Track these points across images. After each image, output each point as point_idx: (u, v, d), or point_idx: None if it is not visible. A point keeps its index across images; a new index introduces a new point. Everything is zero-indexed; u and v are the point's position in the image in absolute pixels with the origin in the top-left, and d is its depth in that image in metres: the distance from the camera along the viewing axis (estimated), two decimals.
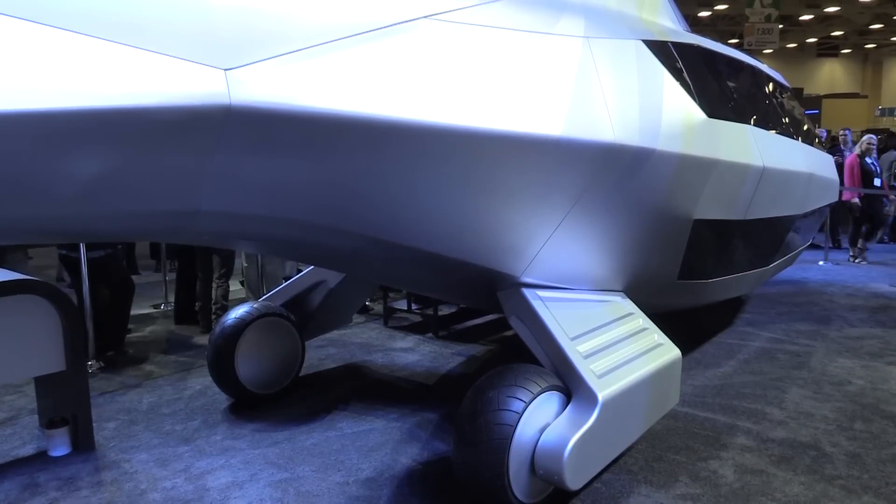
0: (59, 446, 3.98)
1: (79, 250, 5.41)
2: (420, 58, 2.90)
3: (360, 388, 5.07)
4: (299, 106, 2.53)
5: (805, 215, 6.69)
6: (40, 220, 2.50)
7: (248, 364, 4.69)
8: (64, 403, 4.05)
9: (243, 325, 4.68)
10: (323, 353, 5.90)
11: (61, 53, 2.13)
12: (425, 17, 3.01)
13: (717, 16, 28.86)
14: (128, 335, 6.24)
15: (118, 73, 2.20)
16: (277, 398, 4.82)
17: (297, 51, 2.57)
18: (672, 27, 4.91)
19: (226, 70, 2.38)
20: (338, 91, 2.62)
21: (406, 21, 2.93)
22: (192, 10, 2.40)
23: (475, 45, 3.13)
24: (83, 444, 4.03)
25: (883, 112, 34.42)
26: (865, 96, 36.28)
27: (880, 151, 11.71)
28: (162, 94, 2.26)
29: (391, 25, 2.87)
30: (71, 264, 5.63)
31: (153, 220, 2.77)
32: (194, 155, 2.48)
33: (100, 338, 5.62)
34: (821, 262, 10.06)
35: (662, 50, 4.24)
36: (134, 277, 6.50)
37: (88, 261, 5.42)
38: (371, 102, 2.69)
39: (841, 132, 12.26)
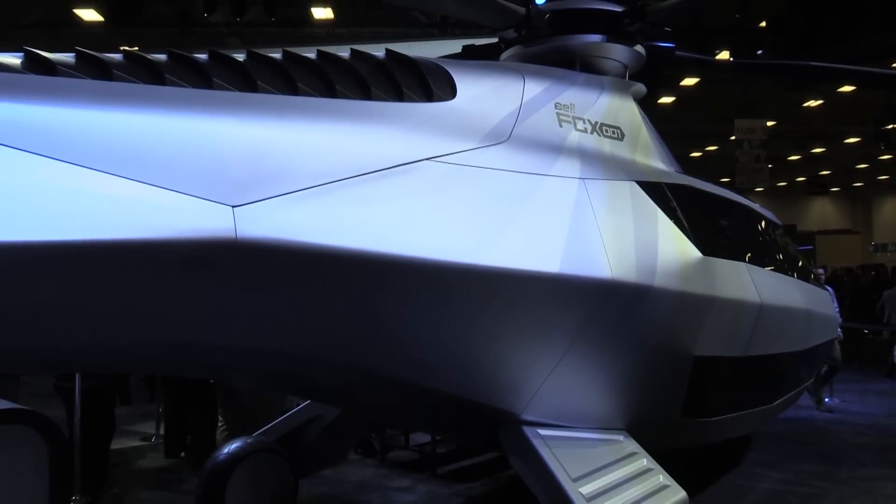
0: None
1: (74, 380, 5.32)
2: (422, 197, 3.01)
3: None
4: (304, 242, 2.60)
5: (807, 351, 6.65)
6: (41, 350, 2.50)
7: (239, 503, 4.50)
8: None
9: (235, 460, 4.54)
10: (316, 491, 5.67)
11: (74, 188, 2.20)
12: (428, 158, 3.15)
13: (708, 156, 29.98)
14: (115, 469, 6.02)
15: (128, 207, 2.28)
16: None
17: (304, 189, 2.67)
18: (665, 168, 5.10)
19: (233, 207, 2.46)
20: (341, 228, 2.70)
21: (409, 162, 3.06)
22: (203, 149, 2.52)
23: (476, 186, 3.25)
24: None
25: (877, 247, 34.98)
26: (858, 232, 36.98)
27: (881, 288, 11.79)
28: (170, 228, 2.33)
29: (395, 166, 2.99)
30: (63, 393, 5.52)
31: (154, 351, 2.77)
32: (199, 288, 2.51)
33: (86, 472, 5.41)
34: (826, 399, 9.88)
35: (656, 190, 4.39)
36: (126, 408, 6.35)
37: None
38: (374, 240, 2.76)
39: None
